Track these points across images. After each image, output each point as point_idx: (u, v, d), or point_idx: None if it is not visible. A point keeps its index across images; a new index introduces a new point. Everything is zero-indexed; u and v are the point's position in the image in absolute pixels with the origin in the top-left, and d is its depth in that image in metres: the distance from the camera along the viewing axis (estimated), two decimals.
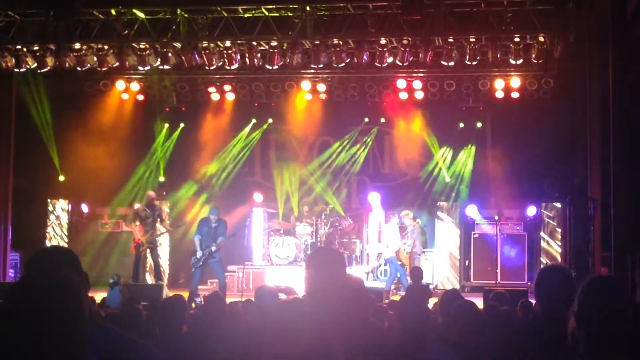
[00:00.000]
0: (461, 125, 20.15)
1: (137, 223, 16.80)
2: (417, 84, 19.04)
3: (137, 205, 17.51)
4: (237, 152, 21.13)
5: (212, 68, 17.23)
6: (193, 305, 13.95)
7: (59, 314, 2.36)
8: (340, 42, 16.32)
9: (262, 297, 8.18)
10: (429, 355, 4.79)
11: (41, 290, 2.39)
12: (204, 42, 16.58)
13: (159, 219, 17.08)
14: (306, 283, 4.08)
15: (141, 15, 16.31)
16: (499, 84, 18.63)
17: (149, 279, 18.40)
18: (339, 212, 20.02)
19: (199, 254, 15.79)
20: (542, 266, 18.38)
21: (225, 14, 16.17)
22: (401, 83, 19.06)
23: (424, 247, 18.61)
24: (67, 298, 2.41)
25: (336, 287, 3.97)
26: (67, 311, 2.38)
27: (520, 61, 16.32)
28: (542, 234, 18.91)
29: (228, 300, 9.49)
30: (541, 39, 15.82)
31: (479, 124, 20.19)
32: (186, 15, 16.25)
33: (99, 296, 12.48)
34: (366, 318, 6.42)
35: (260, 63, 17.01)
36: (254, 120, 21.01)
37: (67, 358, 2.36)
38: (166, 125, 20.98)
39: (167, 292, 15.53)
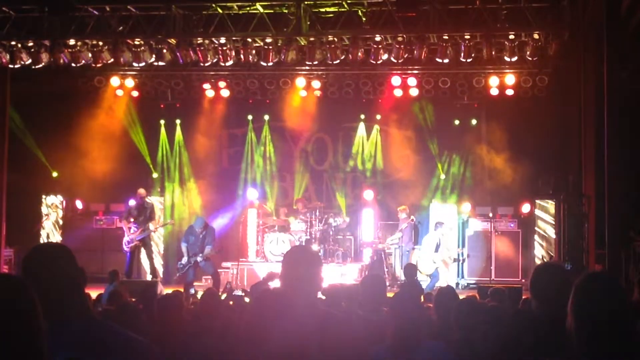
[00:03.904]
0: (456, 122, 20.17)
1: (131, 220, 16.88)
2: (412, 81, 19.09)
3: (131, 202, 17.52)
4: (233, 149, 21.13)
5: (206, 64, 17.24)
6: (192, 291, 14.07)
7: (8, 315, 2.38)
8: (335, 39, 16.32)
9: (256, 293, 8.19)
10: (423, 352, 4.83)
11: None
12: (199, 39, 16.57)
13: (150, 217, 17.14)
14: (281, 280, 4.16)
15: (136, 11, 16.29)
16: (493, 81, 18.68)
17: (144, 276, 18.42)
18: (332, 209, 20.00)
19: (184, 259, 15.91)
20: (537, 262, 18.43)
21: (220, 11, 16.15)
22: (396, 80, 19.09)
23: (414, 244, 18.58)
24: (18, 299, 2.44)
25: (309, 285, 4.05)
26: (17, 312, 2.41)
27: (514, 58, 16.35)
28: (536, 230, 18.94)
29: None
30: (536, 36, 15.84)
31: (474, 121, 20.20)
32: (181, 12, 16.23)
33: (94, 292, 12.44)
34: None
35: (255, 60, 17.00)
36: (249, 117, 21.01)
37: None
38: (162, 122, 20.94)
39: (161, 289, 15.54)
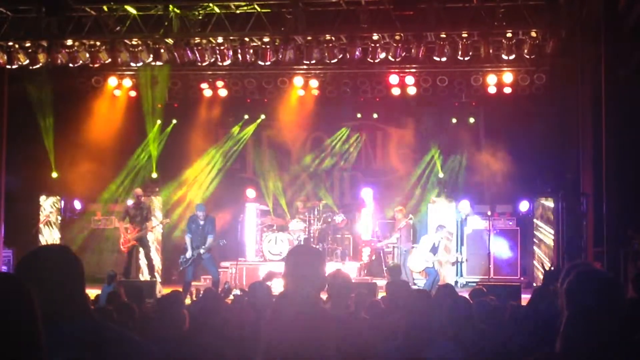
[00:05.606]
0: (454, 120, 20.18)
1: (127, 219, 16.88)
2: (410, 80, 19.08)
3: (128, 202, 17.52)
4: (229, 148, 21.13)
5: (204, 64, 17.23)
6: (188, 301, 13.96)
7: (6, 315, 2.39)
8: (333, 38, 16.33)
9: (255, 292, 8.18)
10: (433, 351, 4.78)
11: None
12: (196, 38, 16.56)
13: (146, 217, 17.11)
14: (284, 279, 4.13)
15: (133, 11, 16.27)
16: (491, 79, 18.68)
17: (143, 276, 18.43)
18: (331, 207, 19.99)
19: (188, 254, 15.77)
20: (535, 262, 18.48)
21: (218, 10, 16.14)
22: (393, 79, 19.09)
23: (413, 244, 18.56)
24: (16, 299, 2.44)
25: (312, 284, 4.03)
26: (15, 311, 2.41)
27: (512, 56, 16.37)
28: (535, 228, 18.94)
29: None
30: (533, 34, 15.86)
31: (472, 120, 20.22)
32: (178, 11, 16.20)
33: (92, 293, 12.43)
34: (357, 314, 6.42)
35: (253, 59, 17.00)
36: (246, 116, 21.01)
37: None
38: (158, 122, 20.91)
39: (160, 289, 15.54)
